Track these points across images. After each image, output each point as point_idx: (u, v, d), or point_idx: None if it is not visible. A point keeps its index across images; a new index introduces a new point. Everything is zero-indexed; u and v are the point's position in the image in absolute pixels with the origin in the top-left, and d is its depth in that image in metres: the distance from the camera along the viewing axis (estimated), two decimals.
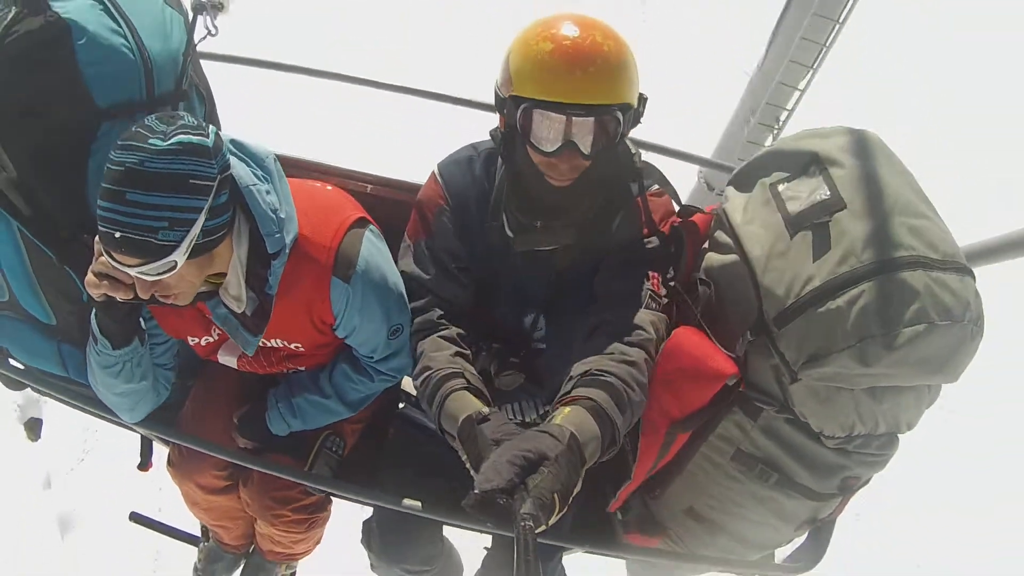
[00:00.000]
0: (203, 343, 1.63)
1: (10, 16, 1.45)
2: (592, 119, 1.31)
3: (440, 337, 1.51)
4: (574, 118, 1.31)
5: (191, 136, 1.20)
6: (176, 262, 1.22)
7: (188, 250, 1.22)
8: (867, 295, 1.16)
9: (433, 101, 2.27)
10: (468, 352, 1.51)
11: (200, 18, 1.65)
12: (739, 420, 1.37)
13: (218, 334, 1.60)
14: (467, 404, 1.35)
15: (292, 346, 1.62)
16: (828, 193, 1.25)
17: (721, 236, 1.41)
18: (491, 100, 1.45)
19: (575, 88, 1.29)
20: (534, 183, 1.41)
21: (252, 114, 4.52)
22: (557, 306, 1.58)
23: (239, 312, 1.45)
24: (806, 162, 1.32)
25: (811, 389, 1.26)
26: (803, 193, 1.28)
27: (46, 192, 1.52)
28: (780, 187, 1.32)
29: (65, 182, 1.53)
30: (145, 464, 1.99)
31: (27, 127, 1.49)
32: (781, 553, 1.79)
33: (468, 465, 1.26)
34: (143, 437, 1.95)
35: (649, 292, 1.44)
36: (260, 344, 1.54)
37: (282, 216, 1.38)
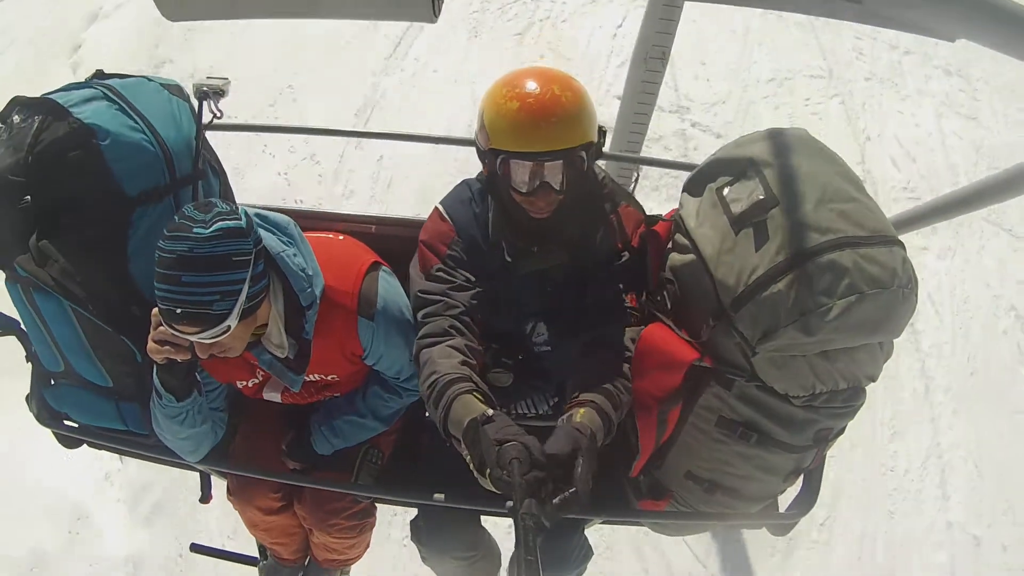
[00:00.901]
0: (249, 385, 1.89)
1: (36, 125, 1.68)
2: (560, 161, 1.56)
3: (449, 346, 1.66)
4: (545, 163, 1.56)
5: (228, 221, 1.45)
6: (230, 326, 1.48)
7: (239, 315, 1.48)
8: (802, 277, 1.39)
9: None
10: (475, 363, 1.66)
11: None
12: (717, 392, 1.60)
13: (262, 375, 1.86)
14: (471, 408, 1.47)
15: (329, 378, 1.88)
16: (764, 193, 1.48)
17: (680, 239, 1.65)
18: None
19: (542, 138, 1.54)
20: (519, 216, 1.67)
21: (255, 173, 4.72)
22: (554, 314, 1.83)
23: (283, 357, 1.70)
24: (744, 166, 1.55)
25: (770, 359, 1.49)
26: (743, 195, 1.51)
27: (94, 275, 1.75)
28: (725, 191, 1.56)
29: (110, 264, 1.77)
30: (206, 497, 2.25)
31: (68, 222, 1.73)
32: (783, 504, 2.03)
33: (471, 467, 1.38)
34: (201, 474, 2.20)
35: (628, 309, 1.72)
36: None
37: (310, 273, 1.64)
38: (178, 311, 1.43)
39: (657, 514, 1.90)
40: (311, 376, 1.86)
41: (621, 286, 1.76)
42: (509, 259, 1.75)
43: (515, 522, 1.20)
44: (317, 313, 1.67)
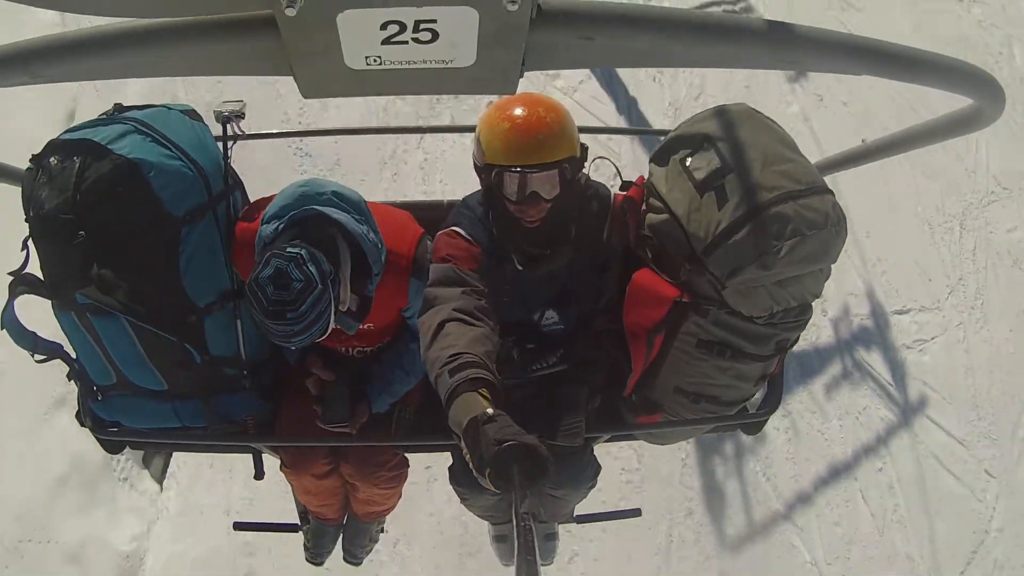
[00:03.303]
0: None
1: (77, 165, 1.90)
2: (546, 172, 1.94)
3: (480, 332, 1.86)
4: (532, 174, 1.94)
5: (310, 294, 1.83)
6: (327, 328, 1.91)
7: (332, 313, 1.90)
8: (757, 226, 1.85)
9: None
10: (494, 351, 1.85)
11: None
12: (696, 320, 2.06)
13: None
14: (473, 406, 1.57)
15: (366, 326, 2.25)
16: (719, 163, 1.92)
17: (654, 202, 2.09)
18: None
19: (529, 153, 1.91)
20: (514, 225, 2.04)
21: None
22: (561, 300, 2.25)
23: (344, 310, 2.08)
24: (700, 140, 1.99)
25: (736, 291, 1.95)
26: (703, 164, 1.95)
27: (154, 294, 2.04)
28: (687, 161, 1.98)
29: (165, 281, 2.05)
30: (260, 475, 2.60)
31: (124, 249, 1.99)
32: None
33: (471, 465, 1.48)
34: (254, 455, 2.55)
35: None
36: None
37: (380, 246, 2.03)
38: (291, 340, 1.87)
39: (653, 425, 2.39)
40: None
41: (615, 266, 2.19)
42: (520, 267, 2.11)
43: (515, 522, 1.31)
44: (381, 276, 2.08)
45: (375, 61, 1.09)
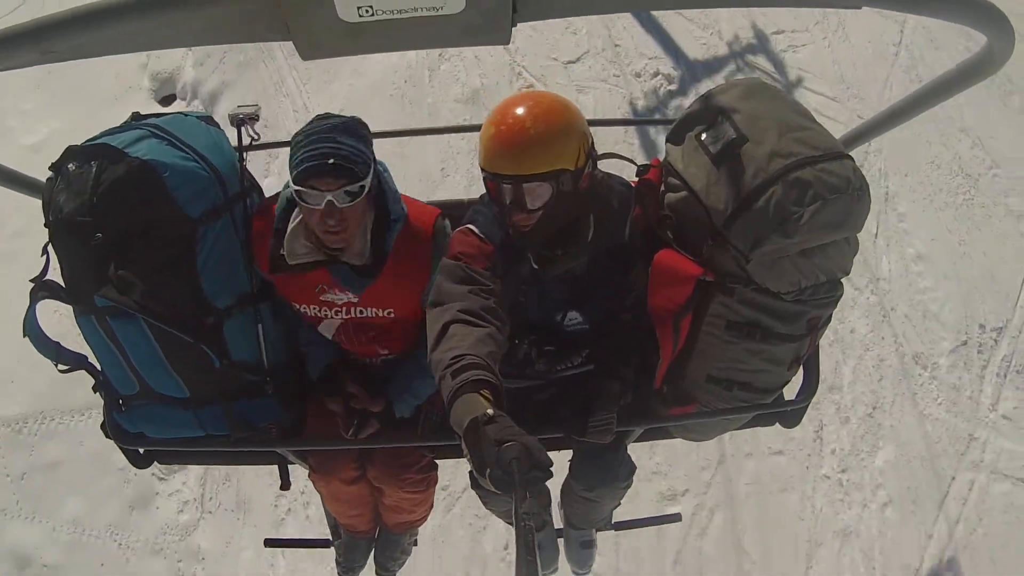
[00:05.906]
0: (310, 312, 2.28)
1: (94, 170, 1.95)
2: (526, 184, 1.89)
3: (485, 334, 1.80)
4: (509, 185, 1.91)
5: (361, 132, 2.01)
6: (365, 186, 1.96)
7: (368, 186, 1.95)
8: (777, 193, 1.81)
9: None
10: (498, 353, 1.80)
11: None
12: (722, 300, 2.01)
13: (324, 308, 2.26)
14: (475, 406, 1.54)
15: (385, 313, 2.23)
16: (735, 134, 1.89)
17: (671, 180, 2.06)
18: None
19: (506, 164, 1.88)
20: (512, 226, 2.02)
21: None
22: (582, 299, 2.22)
23: (360, 264, 2.10)
24: (714, 114, 1.96)
25: (761, 263, 1.90)
26: (719, 137, 1.92)
27: (171, 294, 2.06)
28: (702, 136, 1.96)
29: (183, 281, 2.08)
30: (286, 485, 2.58)
31: (141, 250, 2.02)
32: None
33: (472, 466, 1.47)
34: (279, 465, 2.54)
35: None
36: (357, 316, 2.24)
37: (399, 195, 2.12)
38: (331, 161, 1.90)
39: (687, 416, 2.32)
40: (368, 310, 2.24)
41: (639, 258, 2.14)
42: (536, 267, 2.09)
43: (515, 522, 1.28)
44: (400, 228, 2.13)
45: (367, 12, 1.10)
